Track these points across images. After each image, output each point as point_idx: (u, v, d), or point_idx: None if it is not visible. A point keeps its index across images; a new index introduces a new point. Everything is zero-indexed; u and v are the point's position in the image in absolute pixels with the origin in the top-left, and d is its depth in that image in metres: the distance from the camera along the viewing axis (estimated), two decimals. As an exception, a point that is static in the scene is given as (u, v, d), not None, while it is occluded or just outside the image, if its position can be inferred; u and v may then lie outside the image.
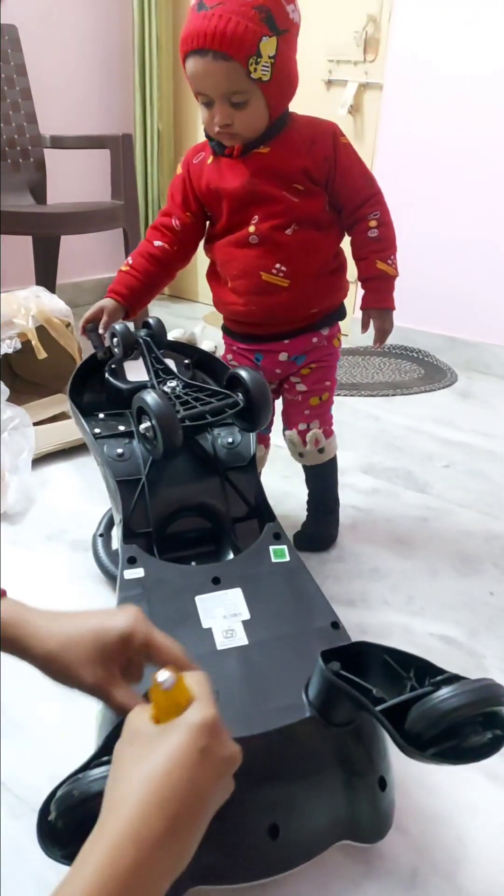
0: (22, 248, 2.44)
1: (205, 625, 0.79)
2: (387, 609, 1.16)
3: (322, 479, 1.33)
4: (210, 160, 1.09)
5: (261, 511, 0.98)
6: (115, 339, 1.09)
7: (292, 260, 1.09)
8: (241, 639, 0.77)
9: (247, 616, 0.80)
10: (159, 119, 2.83)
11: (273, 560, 0.87)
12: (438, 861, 0.75)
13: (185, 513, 0.97)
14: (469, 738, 0.58)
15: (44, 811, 0.54)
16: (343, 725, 0.69)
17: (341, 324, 1.22)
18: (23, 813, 0.79)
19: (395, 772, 0.76)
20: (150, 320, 1.07)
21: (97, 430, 1.01)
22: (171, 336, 2.38)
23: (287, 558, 0.88)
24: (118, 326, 1.08)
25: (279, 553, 0.88)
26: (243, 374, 0.94)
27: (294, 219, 1.07)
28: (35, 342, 1.72)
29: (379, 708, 0.61)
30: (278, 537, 0.90)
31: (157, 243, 1.14)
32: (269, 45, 0.92)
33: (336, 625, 0.80)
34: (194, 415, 0.92)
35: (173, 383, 1.00)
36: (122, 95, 2.87)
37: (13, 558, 1.25)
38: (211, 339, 2.18)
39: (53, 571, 1.23)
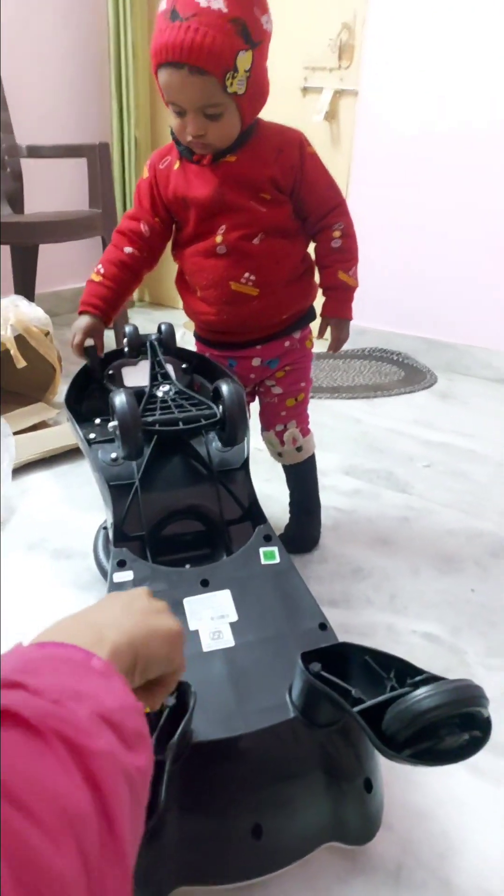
0: None
1: (192, 627, 0.79)
2: (370, 608, 1.17)
3: (302, 479, 1.34)
4: (177, 165, 1.08)
5: (253, 513, 0.98)
6: (125, 340, 1.09)
7: (261, 269, 1.09)
8: (228, 640, 0.77)
9: (234, 618, 0.80)
10: (136, 127, 2.83)
11: (263, 562, 0.87)
12: (424, 856, 0.76)
13: (178, 516, 0.97)
14: (445, 739, 0.58)
15: None
16: (327, 726, 0.70)
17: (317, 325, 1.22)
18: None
19: (382, 771, 0.76)
20: (163, 325, 1.06)
21: (92, 435, 1.02)
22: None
23: (277, 560, 0.88)
24: (127, 328, 1.07)
25: (269, 555, 0.88)
26: (223, 387, 0.94)
27: (261, 228, 1.07)
28: (14, 351, 1.72)
29: (357, 709, 0.61)
30: (269, 539, 0.90)
31: (128, 250, 1.13)
32: (245, 59, 0.92)
33: (324, 626, 0.80)
34: (167, 420, 0.92)
35: (166, 388, 1.00)
36: (98, 104, 2.87)
37: (12, 560, 1.24)
38: (191, 346, 2.18)
39: (35, 580, 1.22)
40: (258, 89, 0.98)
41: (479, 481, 1.64)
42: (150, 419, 0.92)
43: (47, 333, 1.84)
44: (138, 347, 1.06)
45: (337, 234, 1.10)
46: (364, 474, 1.65)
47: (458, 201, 2.30)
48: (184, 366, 1.13)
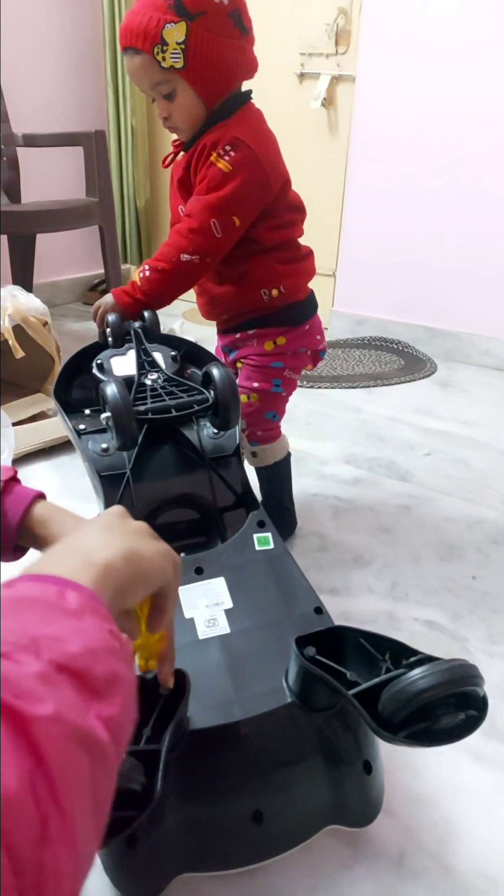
0: (-3, 248, 2.42)
1: (187, 615, 0.78)
2: (371, 596, 1.17)
3: (267, 481, 1.30)
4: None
5: (246, 500, 0.98)
6: (107, 330, 1.08)
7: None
8: (224, 627, 0.77)
9: (229, 605, 0.80)
10: (132, 115, 2.81)
11: (257, 548, 0.87)
12: (425, 841, 0.76)
13: (171, 504, 0.96)
14: (441, 719, 0.58)
15: None
16: (324, 710, 0.70)
17: (321, 315, 1.21)
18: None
19: (382, 755, 0.76)
20: (147, 313, 1.05)
21: (81, 426, 1.00)
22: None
23: (271, 546, 0.87)
24: (111, 317, 1.06)
25: (263, 541, 0.88)
26: (214, 371, 0.92)
27: None
28: (12, 342, 1.71)
29: (352, 692, 0.61)
30: (263, 525, 0.90)
31: None
32: (175, 31, 0.92)
33: (319, 610, 0.80)
34: (159, 408, 0.91)
35: (154, 376, 0.99)
36: (94, 92, 2.85)
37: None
38: (190, 336, 2.18)
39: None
40: (205, 63, 0.96)
41: (479, 469, 1.64)
42: (141, 408, 0.91)
43: (45, 323, 1.83)
44: (122, 336, 1.05)
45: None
46: (364, 463, 1.65)
47: (456, 188, 2.29)
48: (173, 353, 1.12)
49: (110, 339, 1.08)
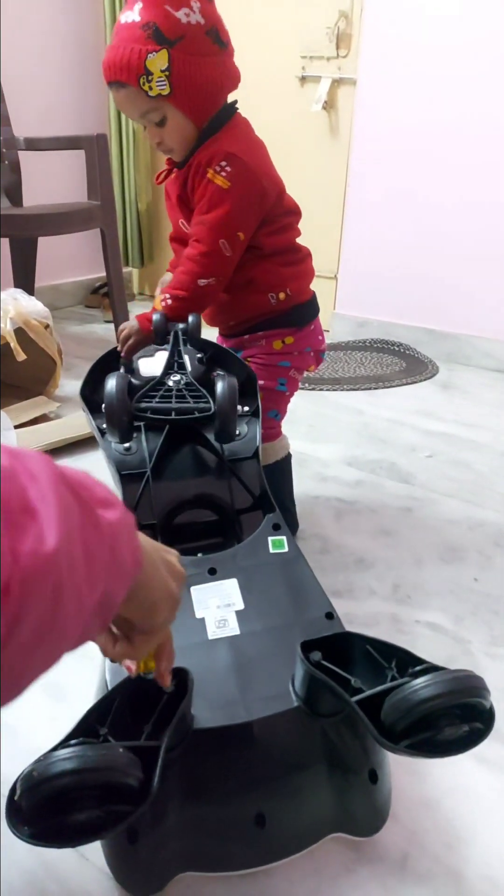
0: (-1, 251, 2.43)
1: (198, 615, 0.79)
2: (373, 599, 1.17)
3: (273, 481, 1.30)
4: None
5: (263, 502, 0.97)
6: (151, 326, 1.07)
7: None
8: (233, 629, 0.77)
9: (240, 606, 0.79)
10: (134, 119, 2.82)
11: (271, 551, 0.87)
12: (429, 845, 0.76)
13: (190, 505, 0.97)
14: (444, 730, 0.57)
15: (12, 790, 0.53)
16: (330, 716, 0.69)
17: (322, 317, 1.22)
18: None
19: (389, 763, 0.76)
20: (192, 316, 1.06)
21: (106, 426, 1.01)
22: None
23: (285, 549, 0.87)
24: (155, 316, 1.07)
25: (278, 544, 0.88)
26: (218, 383, 0.92)
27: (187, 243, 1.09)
28: (14, 344, 1.71)
29: (355, 698, 0.61)
30: (278, 528, 0.90)
31: None
32: (158, 60, 0.93)
33: (331, 615, 0.79)
34: (160, 409, 0.92)
35: (177, 377, 1.00)
36: (95, 96, 2.86)
37: None
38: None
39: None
40: (191, 86, 0.97)
41: (480, 471, 1.63)
42: (142, 405, 0.91)
43: (47, 326, 1.83)
44: (163, 335, 1.06)
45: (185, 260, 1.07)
46: (366, 465, 1.65)
47: (458, 191, 2.29)
48: (199, 355, 1.12)
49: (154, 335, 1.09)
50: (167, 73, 0.93)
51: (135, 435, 0.99)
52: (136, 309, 2.96)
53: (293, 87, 2.50)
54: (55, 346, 1.86)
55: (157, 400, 0.94)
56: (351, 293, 2.63)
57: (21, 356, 1.72)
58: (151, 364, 1.06)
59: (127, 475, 0.95)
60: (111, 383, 0.88)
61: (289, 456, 1.29)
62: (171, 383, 0.97)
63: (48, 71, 2.67)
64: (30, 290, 2.44)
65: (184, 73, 0.95)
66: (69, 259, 2.90)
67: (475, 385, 2.25)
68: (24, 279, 2.48)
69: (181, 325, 1.05)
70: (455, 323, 2.46)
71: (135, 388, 0.96)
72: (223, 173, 1.00)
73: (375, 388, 2.18)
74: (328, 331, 2.63)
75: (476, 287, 2.37)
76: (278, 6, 2.41)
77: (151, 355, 1.09)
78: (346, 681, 0.64)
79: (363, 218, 2.49)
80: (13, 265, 2.47)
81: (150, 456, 0.97)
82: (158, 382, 0.97)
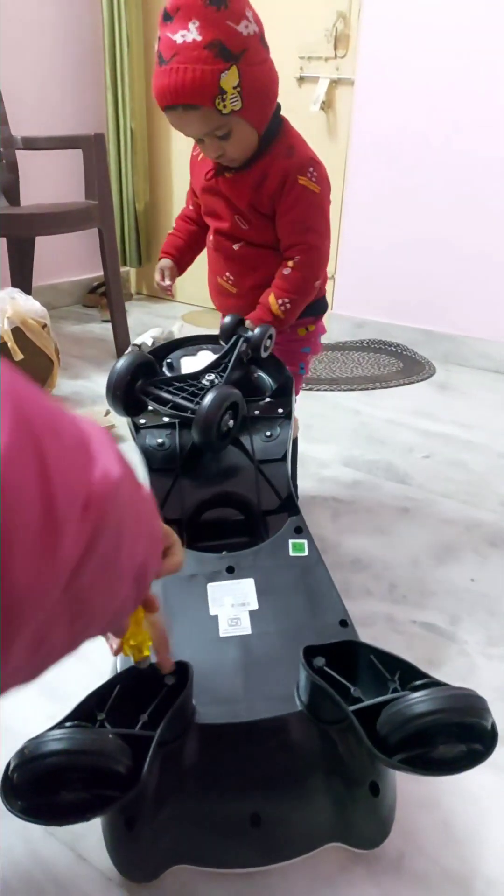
0: (-4, 251, 2.42)
1: (212, 612, 0.79)
2: (369, 599, 1.17)
3: None
4: (200, 156, 1.15)
5: (288, 505, 0.98)
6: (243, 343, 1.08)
7: (239, 272, 1.17)
8: (245, 628, 0.77)
9: (255, 606, 0.80)
10: (132, 118, 2.82)
11: (291, 553, 0.87)
12: (425, 844, 0.76)
13: (217, 503, 0.98)
14: (439, 748, 0.57)
15: (7, 767, 0.54)
16: (331, 723, 0.69)
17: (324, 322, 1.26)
18: (4, 812, 0.79)
19: (393, 775, 0.76)
20: (259, 329, 1.06)
21: (142, 421, 1.03)
22: (149, 335, 2.38)
23: (306, 553, 0.87)
24: (227, 318, 1.09)
25: (298, 547, 0.88)
26: (207, 395, 0.92)
27: (242, 239, 1.13)
28: (11, 344, 1.71)
29: (353, 707, 0.61)
30: (300, 531, 0.90)
31: (190, 207, 1.26)
32: (230, 78, 0.92)
33: (345, 623, 0.79)
34: (162, 399, 0.97)
35: (211, 376, 1.03)
36: (93, 95, 2.85)
37: None
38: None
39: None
40: (259, 95, 0.98)
41: (477, 471, 1.64)
42: (149, 389, 0.97)
43: (44, 326, 1.83)
44: (229, 336, 1.08)
45: (290, 264, 1.11)
46: (363, 465, 1.65)
47: (455, 191, 2.30)
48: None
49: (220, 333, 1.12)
50: (238, 88, 0.93)
51: (168, 432, 1.01)
52: (134, 309, 2.96)
53: (291, 88, 2.50)
54: (52, 345, 1.86)
55: (168, 389, 0.98)
56: (348, 294, 2.63)
57: (18, 356, 1.72)
58: (193, 362, 1.10)
59: (157, 470, 0.97)
60: (118, 363, 0.95)
61: (296, 439, 1.32)
62: (206, 381, 1.01)
63: (46, 70, 2.67)
64: (27, 289, 2.44)
65: (251, 86, 0.95)
66: (67, 258, 2.90)
67: (472, 386, 2.26)
68: (22, 278, 2.47)
69: (249, 333, 1.07)
70: (452, 324, 2.46)
71: (153, 371, 1.02)
72: (314, 179, 1.06)
73: (373, 389, 2.18)
74: (325, 331, 2.63)
75: (473, 288, 2.37)
76: (276, 6, 2.41)
77: (194, 354, 1.12)
78: (346, 689, 0.64)
79: (361, 218, 2.49)
80: (10, 264, 2.47)
81: (181, 453, 0.99)
82: (193, 376, 1.01)
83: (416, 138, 2.31)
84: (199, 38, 0.89)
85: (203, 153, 1.08)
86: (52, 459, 0.30)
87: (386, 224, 2.46)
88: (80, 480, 0.32)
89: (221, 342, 1.10)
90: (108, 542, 0.34)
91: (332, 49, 2.39)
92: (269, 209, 1.09)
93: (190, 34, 0.89)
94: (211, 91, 0.91)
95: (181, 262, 1.28)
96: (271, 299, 1.11)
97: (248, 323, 1.12)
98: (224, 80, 0.91)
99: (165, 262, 1.26)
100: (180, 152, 2.91)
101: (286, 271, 1.11)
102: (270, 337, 1.07)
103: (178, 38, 0.90)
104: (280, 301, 1.11)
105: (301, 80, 2.48)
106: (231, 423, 0.96)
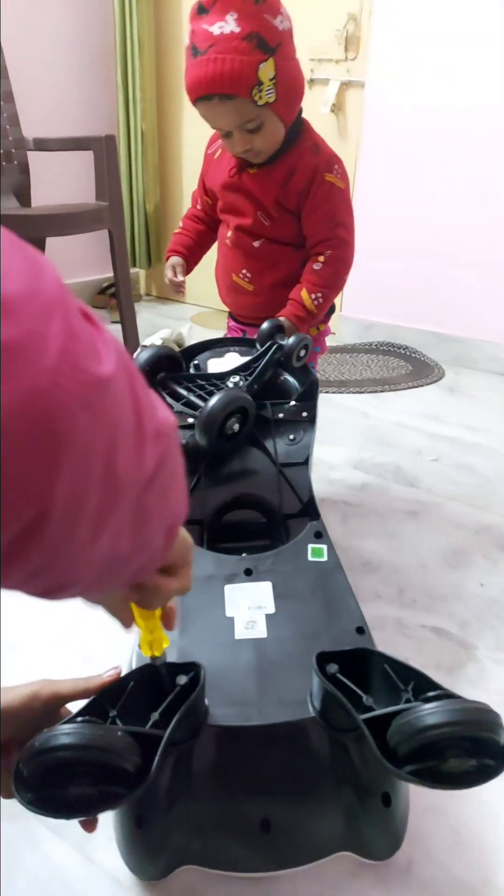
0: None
1: (228, 613, 0.79)
2: (378, 602, 1.17)
3: None
4: (218, 154, 1.16)
5: (309, 509, 0.98)
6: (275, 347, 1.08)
7: (257, 269, 1.17)
8: (261, 631, 0.77)
9: (271, 610, 0.80)
10: (142, 119, 2.82)
11: (310, 558, 0.87)
12: (433, 851, 0.76)
13: (238, 505, 0.98)
14: (449, 761, 0.56)
15: (17, 759, 0.55)
16: (343, 731, 0.68)
17: (330, 324, 1.27)
18: (16, 814, 0.79)
19: (406, 787, 0.75)
20: (294, 338, 1.06)
21: None
22: (158, 336, 2.39)
23: (325, 558, 0.87)
24: (266, 324, 1.10)
25: (317, 552, 0.88)
26: (210, 399, 0.93)
27: (263, 235, 1.14)
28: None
29: (364, 716, 0.60)
30: (319, 536, 0.90)
31: (198, 207, 1.28)
32: (267, 69, 0.94)
33: (362, 630, 0.78)
34: (176, 395, 0.99)
35: (236, 378, 1.04)
36: (104, 96, 2.86)
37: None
38: (198, 338, 2.18)
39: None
40: (290, 90, 1.00)
41: (486, 475, 1.63)
42: (168, 382, 0.99)
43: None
44: (263, 342, 1.08)
45: (321, 259, 1.13)
46: (372, 468, 1.65)
47: (466, 194, 2.29)
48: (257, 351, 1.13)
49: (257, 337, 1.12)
50: (274, 81, 0.95)
51: (191, 433, 1.00)
52: (143, 310, 2.96)
53: (302, 90, 2.50)
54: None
55: (187, 385, 1.00)
56: (357, 296, 2.62)
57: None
58: (220, 364, 1.11)
59: None
60: (145, 350, 0.97)
61: None
62: (230, 383, 1.02)
63: (57, 72, 2.68)
64: (37, 290, 2.44)
65: (285, 79, 0.97)
66: (77, 259, 2.91)
67: (481, 389, 2.25)
68: (32, 279, 2.48)
69: (284, 341, 1.07)
70: (462, 326, 2.46)
71: (178, 366, 1.04)
72: (339, 175, 1.09)
73: (381, 391, 2.18)
74: (334, 333, 2.63)
75: (483, 290, 2.37)
76: (286, 8, 2.41)
77: (222, 356, 1.13)
78: (358, 697, 0.64)
79: (371, 220, 2.49)
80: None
81: (204, 454, 0.99)
82: (218, 376, 1.03)
83: (427, 140, 2.30)
84: (237, 30, 0.90)
85: (228, 148, 1.08)
86: (138, 388, 0.33)
87: (395, 226, 2.45)
88: (154, 413, 0.35)
89: (257, 345, 1.10)
90: (167, 473, 0.37)
91: (342, 51, 2.39)
92: (295, 205, 1.10)
93: (228, 25, 0.90)
94: (249, 81, 0.93)
95: (190, 260, 1.29)
96: (304, 294, 1.12)
97: (282, 319, 1.12)
98: (261, 71, 0.93)
99: (176, 260, 1.27)
100: (190, 154, 2.91)
101: (317, 266, 1.12)
102: (306, 347, 1.07)
103: (216, 29, 0.91)
104: (313, 296, 1.12)
105: (311, 82, 2.48)
106: (237, 426, 0.96)
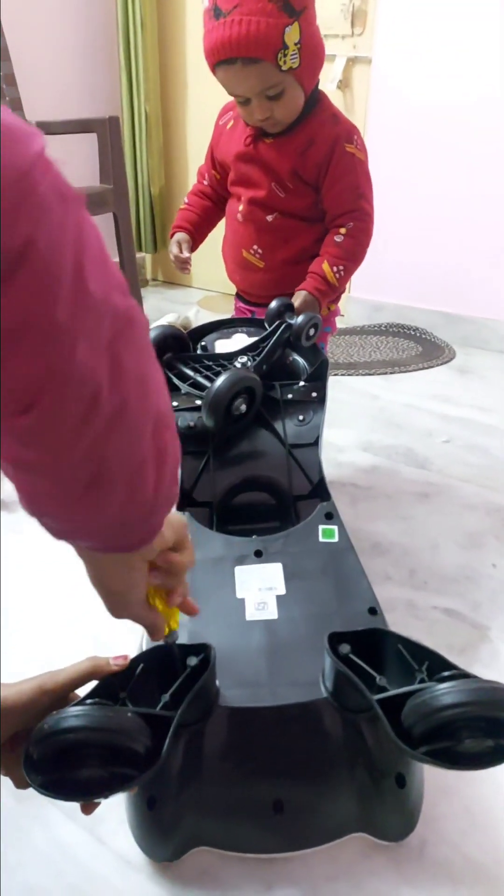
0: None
1: (239, 595, 0.79)
2: (389, 584, 1.16)
3: None
4: (230, 125, 1.13)
5: (319, 490, 0.97)
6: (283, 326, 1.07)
7: (270, 244, 1.15)
8: (272, 612, 0.77)
9: (282, 591, 0.79)
10: (146, 101, 2.79)
11: (321, 539, 0.86)
12: (447, 832, 0.75)
13: (248, 487, 0.97)
14: (465, 742, 0.55)
15: (29, 741, 0.55)
16: (356, 712, 0.68)
17: (340, 305, 1.25)
18: (26, 796, 0.79)
19: (421, 767, 0.75)
20: (303, 317, 1.05)
21: (175, 403, 1.03)
22: (165, 320, 2.38)
23: (336, 539, 0.86)
24: (275, 303, 1.09)
25: (328, 533, 0.87)
26: (218, 379, 0.92)
27: (277, 209, 1.11)
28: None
29: (377, 697, 0.60)
30: (330, 517, 0.89)
31: (204, 183, 1.26)
32: (293, 33, 0.91)
33: (374, 611, 0.78)
34: (182, 375, 0.99)
35: (244, 359, 1.03)
36: (107, 78, 2.83)
37: (14, 547, 1.24)
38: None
39: (55, 559, 1.22)
40: (313, 56, 0.98)
41: (498, 456, 1.61)
42: (175, 363, 0.99)
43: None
44: (274, 320, 1.07)
45: (343, 230, 1.11)
46: (382, 450, 1.64)
47: (475, 171, 2.25)
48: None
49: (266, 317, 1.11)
50: (298, 45, 0.93)
51: (199, 414, 0.99)
52: (150, 295, 2.95)
53: (307, 67, 2.46)
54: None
55: (194, 366, 0.99)
56: (366, 276, 2.58)
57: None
58: (227, 345, 1.10)
59: (188, 452, 0.97)
60: (152, 330, 0.96)
61: None
62: (238, 363, 1.01)
63: (60, 54, 2.64)
64: (43, 275, 2.43)
65: (309, 45, 0.95)
66: (82, 244, 2.89)
67: (492, 369, 2.22)
68: (38, 265, 2.47)
69: (293, 320, 1.06)
70: (472, 306, 2.42)
71: (185, 347, 1.04)
72: (358, 146, 1.08)
73: (391, 373, 2.16)
74: (343, 315, 2.60)
75: (494, 270, 2.33)
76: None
77: (229, 337, 1.12)
78: (371, 678, 0.63)
79: (379, 199, 2.44)
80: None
81: (214, 435, 0.98)
82: (226, 357, 1.02)
83: (436, 117, 2.26)
84: None
85: (245, 116, 1.05)
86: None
87: (404, 205, 2.42)
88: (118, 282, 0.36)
89: (266, 325, 1.09)
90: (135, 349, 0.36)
91: (349, 26, 2.34)
92: (313, 177, 1.08)
93: None
94: (275, 44, 0.90)
95: (196, 237, 1.27)
96: (325, 267, 1.10)
97: (302, 294, 1.11)
98: (287, 35, 0.90)
99: (182, 236, 1.25)
100: (196, 135, 2.88)
101: (339, 238, 1.10)
102: (315, 326, 1.06)
103: None
104: (335, 268, 1.10)
105: (317, 58, 2.44)
106: (244, 407, 0.95)
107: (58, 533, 0.41)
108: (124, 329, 0.35)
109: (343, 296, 1.27)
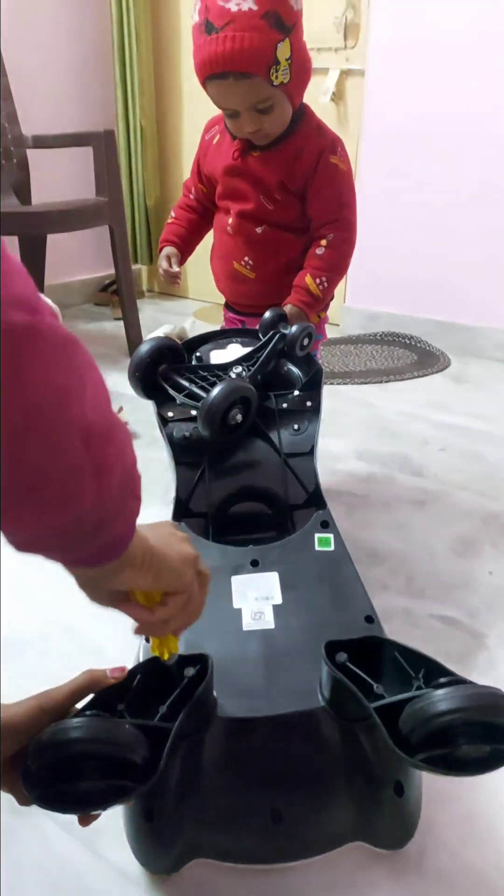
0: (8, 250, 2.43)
1: (235, 605, 0.79)
2: (386, 592, 1.16)
3: None
4: (217, 139, 1.14)
5: (315, 499, 0.97)
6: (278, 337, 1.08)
7: (260, 256, 1.16)
8: (269, 622, 0.77)
9: (279, 601, 0.79)
10: (141, 114, 2.81)
11: (317, 548, 0.86)
12: (446, 839, 0.75)
13: (244, 497, 0.97)
14: (462, 748, 0.55)
15: (27, 754, 0.55)
16: (354, 721, 0.67)
17: (331, 314, 1.25)
18: (22, 809, 0.79)
19: (419, 775, 0.74)
20: (297, 328, 1.06)
21: (170, 414, 1.03)
22: (161, 331, 2.38)
23: (332, 548, 0.86)
24: (269, 313, 1.09)
25: (324, 542, 0.87)
26: (213, 389, 0.92)
27: (265, 221, 1.13)
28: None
29: (375, 705, 0.60)
30: (326, 526, 0.89)
31: (191, 196, 1.27)
32: (284, 49, 0.93)
33: (371, 619, 0.77)
34: (178, 387, 0.99)
35: (238, 369, 1.03)
36: (102, 92, 2.85)
37: (12, 554, 1.24)
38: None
39: (52, 567, 1.22)
40: (302, 71, 1.00)
41: (494, 463, 1.62)
42: (169, 374, 0.99)
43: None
44: (266, 331, 1.08)
45: (324, 242, 1.12)
46: (378, 458, 1.64)
47: (468, 181, 2.27)
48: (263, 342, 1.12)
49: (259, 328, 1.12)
50: (289, 61, 0.95)
51: (195, 426, 0.99)
52: (146, 306, 2.96)
53: (301, 80, 2.48)
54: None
55: (189, 377, 1.00)
56: (361, 286, 2.61)
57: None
58: (222, 356, 1.10)
59: (183, 463, 0.97)
60: (147, 342, 0.98)
61: None
62: (233, 374, 1.01)
63: (56, 68, 2.67)
64: (39, 287, 2.45)
65: (298, 60, 0.97)
66: (78, 256, 2.90)
67: (487, 377, 2.23)
68: (34, 277, 2.45)
69: (287, 330, 1.06)
70: (467, 314, 2.44)
71: (180, 358, 1.05)
72: (342, 158, 1.09)
73: (387, 382, 2.16)
74: (338, 324, 2.62)
75: (489, 278, 2.35)
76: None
77: (224, 347, 1.13)
78: (369, 686, 0.63)
79: (373, 210, 2.47)
80: (23, 263, 2.46)
81: (209, 446, 0.98)
82: (220, 367, 1.02)
83: (428, 128, 2.28)
84: (255, 8, 0.90)
85: (234, 129, 1.07)
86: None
87: (398, 215, 2.44)
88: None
89: (260, 335, 1.09)
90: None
91: (341, 39, 2.37)
92: (300, 186, 1.09)
93: (246, 3, 0.89)
94: (267, 60, 0.92)
95: (184, 251, 1.28)
96: (308, 280, 1.11)
97: (288, 307, 1.12)
98: (279, 50, 0.92)
99: (170, 250, 1.26)
100: (190, 148, 2.90)
101: (320, 251, 1.11)
102: (309, 336, 1.06)
103: (233, 6, 0.89)
104: (318, 280, 1.11)
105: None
106: (240, 417, 0.95)
107: (15, 544, 0.41)
108: (22, 344, 0.34)
109: (338, 305, 1.28)
